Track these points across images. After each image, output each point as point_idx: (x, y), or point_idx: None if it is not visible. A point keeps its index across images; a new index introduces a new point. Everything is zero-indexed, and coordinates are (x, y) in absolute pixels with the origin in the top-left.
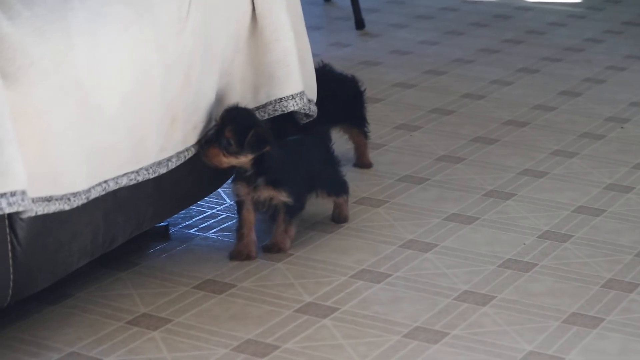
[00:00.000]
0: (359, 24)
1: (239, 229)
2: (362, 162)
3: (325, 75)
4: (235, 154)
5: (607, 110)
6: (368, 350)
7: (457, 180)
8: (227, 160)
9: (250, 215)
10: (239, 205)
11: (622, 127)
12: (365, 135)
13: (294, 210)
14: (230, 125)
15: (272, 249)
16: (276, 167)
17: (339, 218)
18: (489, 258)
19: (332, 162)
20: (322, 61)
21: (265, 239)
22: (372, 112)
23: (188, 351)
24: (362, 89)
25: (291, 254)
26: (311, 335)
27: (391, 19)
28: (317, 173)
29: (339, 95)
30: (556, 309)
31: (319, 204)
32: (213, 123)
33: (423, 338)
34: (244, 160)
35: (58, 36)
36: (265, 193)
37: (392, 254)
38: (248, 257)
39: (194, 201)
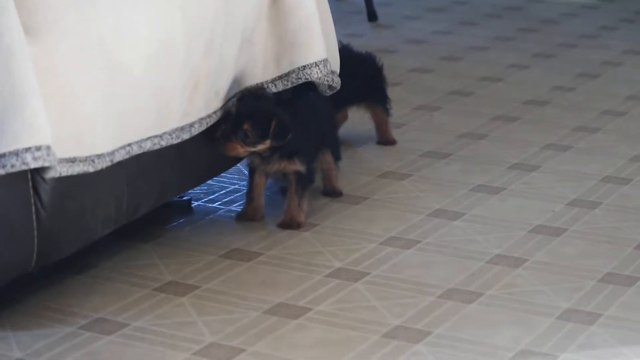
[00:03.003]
0: (372, 16)
1: (248, 193)
2: (385, 139)
3: (344, 54)
4: (254, 144)
5: (627, 90)
6: (403, 310)
7: (481, 155)
8: (246, 151)
9: (261, 180)
10: (252, 170)
11: None
12: (387, 112)
13: (305, 182)
14: (249, 118)
15: (291, 224)
16: (290, 140)
17: (332, 191)
18: (519, 224)
19: (334, 123)
20: (340, 42)
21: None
22: (391, 94)
23: (219, 315)
24: (380, 64)
25: (317, 224)
26: (344, 298)
27: (403, 12)
28: (324, 133)
29: (359, 73)
30: (591, 269)
31: (343, 176)
32: (229, 104)
33: (458, 298)
34: (263, 147)
35: None
36: (277, 166)
37: (421, 222)
38: (253, 219)
39: (216, 173)
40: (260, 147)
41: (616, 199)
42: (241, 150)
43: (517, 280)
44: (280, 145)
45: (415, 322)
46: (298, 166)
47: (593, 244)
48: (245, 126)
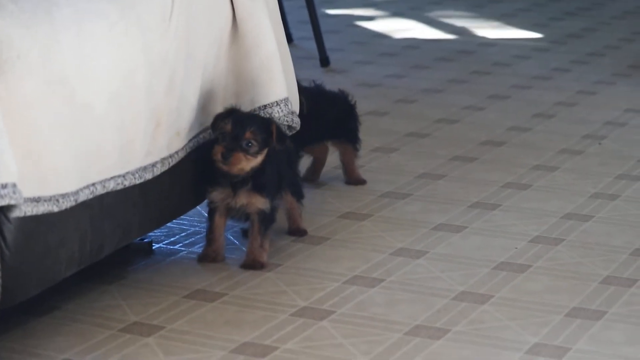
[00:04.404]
0: (324, 62)
1: (209, 233)
2: (354, 179)
3: (317, 93)
4: (257, 153)
5: (583, 130)
6: (370, 348)
7: (441, 194)
8: (250, 163)
9: (221, 221)
10: (212, 210)
11: (599, 144)
12: (356, 151)
13: (267, 222)
14: (249, 127)
15: (254, 265)
16: (262, 171)
17: (297, 230)
18: (482, 262)
19: (295, 162)
20: (313, 81)
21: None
22: None
23: (185, 354)
24: (353, 102)
25: (280, 264)
26: (310, 336)
27: (355, 57)
28: (286, 172)
29: (331, 112)
30: (557, 304)
31: (304, 217)
32: (210, 130)
33: (425, 335)
34: (260, 159)
35: (44, 30)
36: (244, 199)
37: (384, 261)
38: (214, 260)
39: (178, 214)
40: (259, 158)
41: (578, 235)
42: (245, 162)
43: (484, 316)
44: (256, 173)
45: (383, 359)
46: (263, 203)
47: (558, 280)
48: (248, 135)
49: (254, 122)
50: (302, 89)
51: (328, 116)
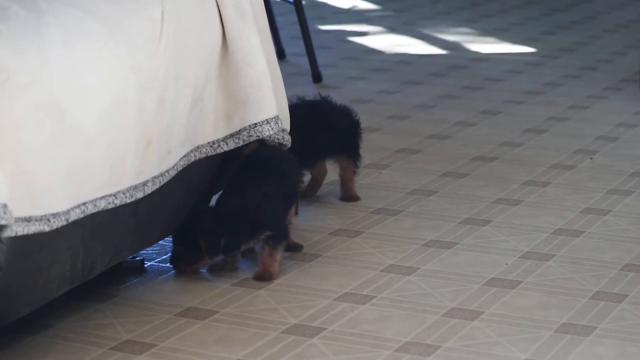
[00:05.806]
0: (316, 78)
1: None
2: (349, 195)
3: (325, 106)
4: (194, 262)
5: (575, 144)
6: None
7: (432, 211)
8: (197, 267)
9: None
10: None
11: (591, 159)
12: (356, 168)
13: (277, 239)
14: (177, 245)
15: (264, 276)
16: (252, 217)
17: (294, 245)
18: (473, 278)
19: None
20: (319, 93)
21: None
22: None
23: None
24: (358, 118)
25: (271, 281)
26: (301, 354)
27: (348, 73)
28: (292, 187)
29: (338, 126)
30: (547, 320)
31: (295, 234)
32: (201, 149)
33: (415, 351)
34: (204, 262)
35: (33, 51)
36: (247, 245)
37: (374, 278)
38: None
39: (170, 232)
40: (202, 263)
41: (569, 250)
42: (189, 269)
43: (474, 332)
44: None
45: None
46: (267, 234)
47: (548, 296)
48: (177, 249)
49: (180, 240)
50: (310, 104)
51: (334, 131)
